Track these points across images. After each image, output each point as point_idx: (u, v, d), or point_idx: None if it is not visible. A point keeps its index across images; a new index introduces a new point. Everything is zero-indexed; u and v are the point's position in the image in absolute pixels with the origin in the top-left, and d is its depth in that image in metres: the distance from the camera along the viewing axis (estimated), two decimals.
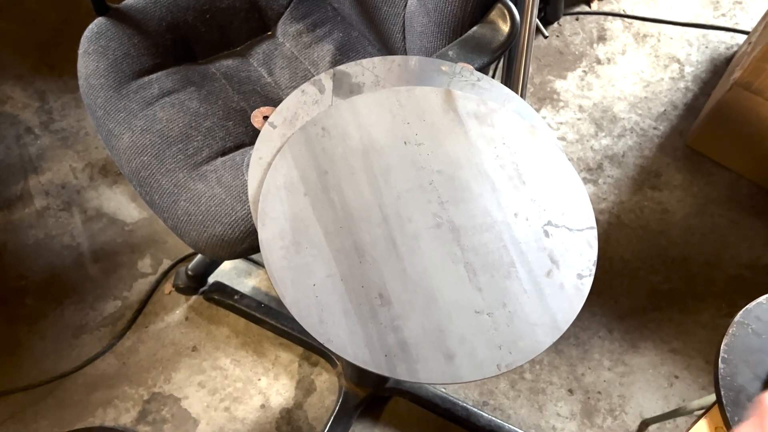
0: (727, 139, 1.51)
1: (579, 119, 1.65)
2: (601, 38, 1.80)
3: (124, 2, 1.06)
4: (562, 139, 1.62)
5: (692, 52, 1.77)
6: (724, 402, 0.76)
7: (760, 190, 1.54)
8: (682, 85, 1.71)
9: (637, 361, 1.33)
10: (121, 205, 1.48)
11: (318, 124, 0.70)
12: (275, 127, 0.70)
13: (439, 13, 0.92)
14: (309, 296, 0.61)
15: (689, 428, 0.77)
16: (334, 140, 0.70)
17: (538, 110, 1.67)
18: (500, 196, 0.69)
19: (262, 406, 1.27)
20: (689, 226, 1.50)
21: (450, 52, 0.86)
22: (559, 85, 1.71)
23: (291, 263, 0.62)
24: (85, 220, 1.46)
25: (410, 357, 0.59)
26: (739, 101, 1.42)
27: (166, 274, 1.40)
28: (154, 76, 1.04)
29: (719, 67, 1.74)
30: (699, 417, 0.78)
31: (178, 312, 1.36)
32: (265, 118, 0.71)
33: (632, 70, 1.74)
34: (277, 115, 0.71)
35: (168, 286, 1.39)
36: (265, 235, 0.63)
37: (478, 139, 0.72)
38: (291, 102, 0.72)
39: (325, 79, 0.74)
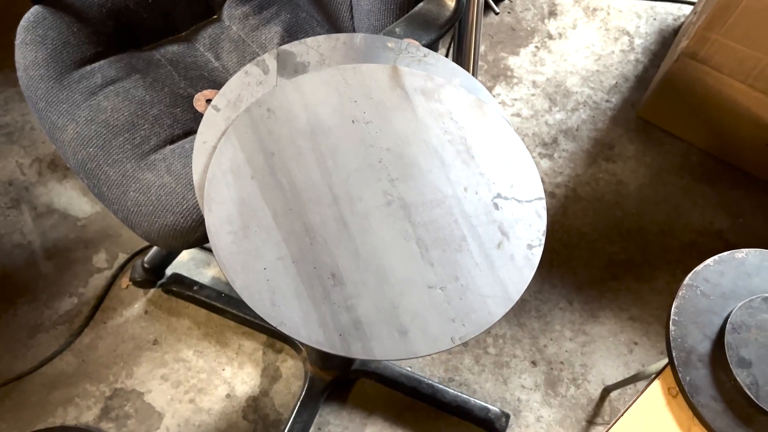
0: (676, 109, 1.54)
1: (533, 95, 1.66)
2: (552, 13, 1.81)
3: None
4: (517, 115, 1.63)
5: (641, 25, 1.79)
6: (676, 363, 0.78)
7: (710, 158, 1.58)
8: (632, 57, 1.74)
9: (597, 330, 1.36)
10: (72, 199, 1.44)
11: (263, 106, 0.69)
12: (219, 110, 0.69)
13: None
14: (260, 280, 0.60)
15: (643, 390, 0.79)
16: (280, 121, 0.69)
17: (492, 87, 1.68)
18: (449, 171, 0.69)
19: (228, 396, 1.26)
20: (643, 196, 1.52)
21: (397, 29, 0.85)
22: (512, 61, 1.72)
23: (240, 248, 0.61)
24: (36, 217, 1.42)
25: (364, 335, 0.59)
26: (687, 71, 1.45)
27: (122, 268, 1.37)
28: (96, 64, 1.00)
29: (667, 38, 1.77)
30: (653, 379, 0.80)
31: (136, 306, 1.34)
32: (208, 101, 0.69)
33: (583, 44, 1.75)
34: (221, 97, 0.70)
35: (125, 281, 1.36)
36: (212, 221, 0.62)
37: (425, 115, 0.72)
38: (234, 84, 0.71)
39: (269, 59, 0.73)
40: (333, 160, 0.68)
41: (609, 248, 1.46)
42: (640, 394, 0.79)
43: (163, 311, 1.33)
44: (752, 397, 0.76)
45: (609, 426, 0.77)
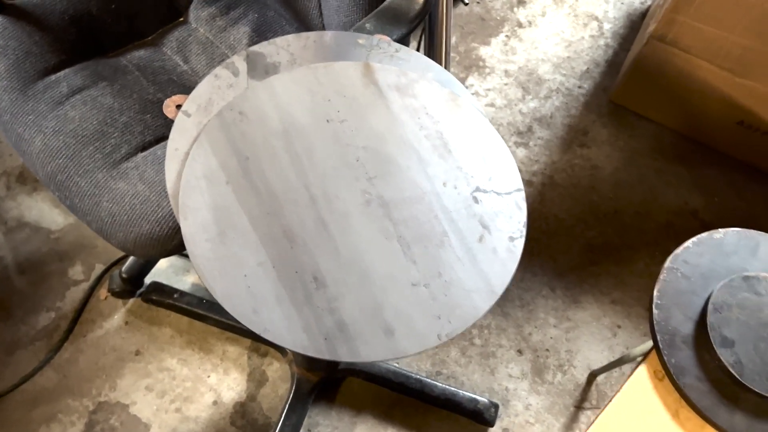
0: (648, 92, 1.56)
1: (506, 84, 1.67)
2: (521, 1, 1.81)
3: None
4: (491, 105, 1.63)
5: (609, 9, 1.80)
6: (660, 346, 0.79)
7: (682, 139, 1.60)
8: (602, 42, 1.75)
9: (580, 316, 1.37)
10: (44, 212, 1.41)
11: (234, 109, 0.68)
12: (189, 116, 0.67)
13: None
14: (240, 287, 0.59)
15: (629, 375, 0.80)
16: (253, 124, 0.68)
17: (464, 78, 1.68)
18: (427, 166, 0.68)
19: (215, 403, 1.25)
20: (618, 180, 1.54)
21: (367, 25, 0.85)
22: (483, 51, 1.72)
23: (217, 254, 0.60)
24: (6, 232, 1.38)
25: (350, 337, 0.59)
26: (656, 54, 1.46)
27: (99, 280, 1.35)
28: (61, 73, 0.98)
29: (635, 22, 1.78)
30: (639, 363, 0.81)
31: (116, 317, 1.31)
32: (179, 107, 0.68)
33: (553, 31, 1.76)
34: (191, 102, 0.68)
35: (103, 292, 1.34)
36: (188, 229, 0.61)
37: (400, 111, 0.71)
38: (204, 88, 0.69)
39: (239, 61, 0.72)
40: (309, 161, 0.67)
41: (587, 233, 1.47)
42: (627, 379, 0.79)
43: (143, 321, 1.31)
44: (736, 375, 0.77)
45: (598, 413, 0.78)
